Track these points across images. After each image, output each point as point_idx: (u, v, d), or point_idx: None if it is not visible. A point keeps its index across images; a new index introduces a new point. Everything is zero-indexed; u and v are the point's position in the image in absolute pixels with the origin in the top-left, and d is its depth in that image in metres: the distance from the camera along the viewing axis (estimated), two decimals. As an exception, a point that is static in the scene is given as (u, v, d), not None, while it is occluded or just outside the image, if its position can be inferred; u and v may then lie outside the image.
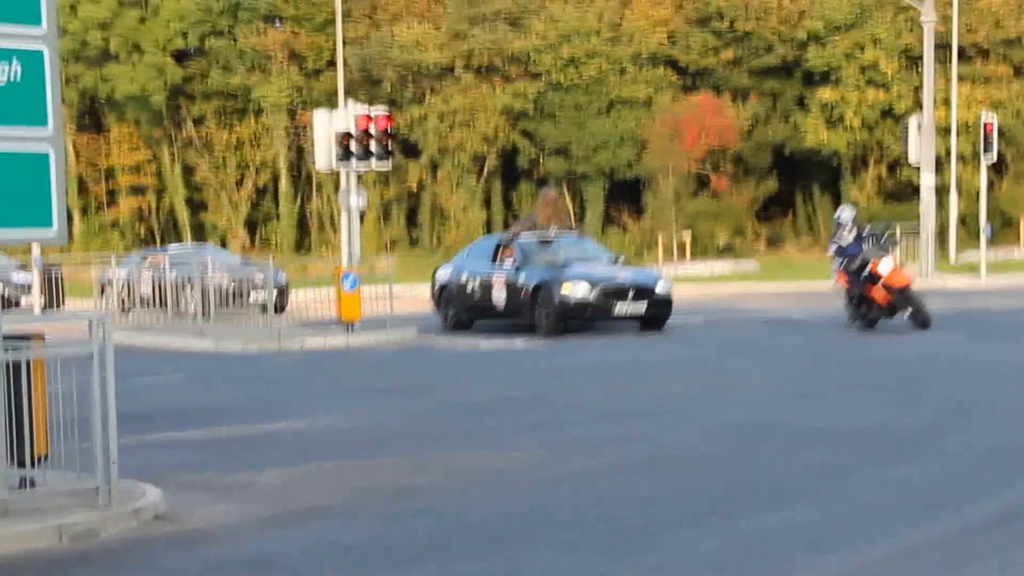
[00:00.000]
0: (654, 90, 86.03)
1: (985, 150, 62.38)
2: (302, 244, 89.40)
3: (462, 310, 42.76)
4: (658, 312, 38.43)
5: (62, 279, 49.66)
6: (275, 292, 45.52)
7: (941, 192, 61.45)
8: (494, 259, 41.81)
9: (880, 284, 34.31)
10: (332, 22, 67.67)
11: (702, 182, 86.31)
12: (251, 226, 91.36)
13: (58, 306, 47.62)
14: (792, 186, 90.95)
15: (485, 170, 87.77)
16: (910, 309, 35.51)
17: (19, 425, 15.56)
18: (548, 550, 14.37)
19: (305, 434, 22.99)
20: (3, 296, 50.57)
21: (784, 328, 40.79)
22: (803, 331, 39.56)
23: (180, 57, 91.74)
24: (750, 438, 21.44)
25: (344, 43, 61.87)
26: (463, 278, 43.19)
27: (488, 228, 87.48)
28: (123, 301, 49.33)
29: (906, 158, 64.54)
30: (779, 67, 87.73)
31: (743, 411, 24.62)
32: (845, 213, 38.83)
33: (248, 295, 48.29)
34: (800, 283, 61.81)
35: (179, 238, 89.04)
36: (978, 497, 16.10)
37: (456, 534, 15.23)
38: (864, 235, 36.51)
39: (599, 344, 37.99)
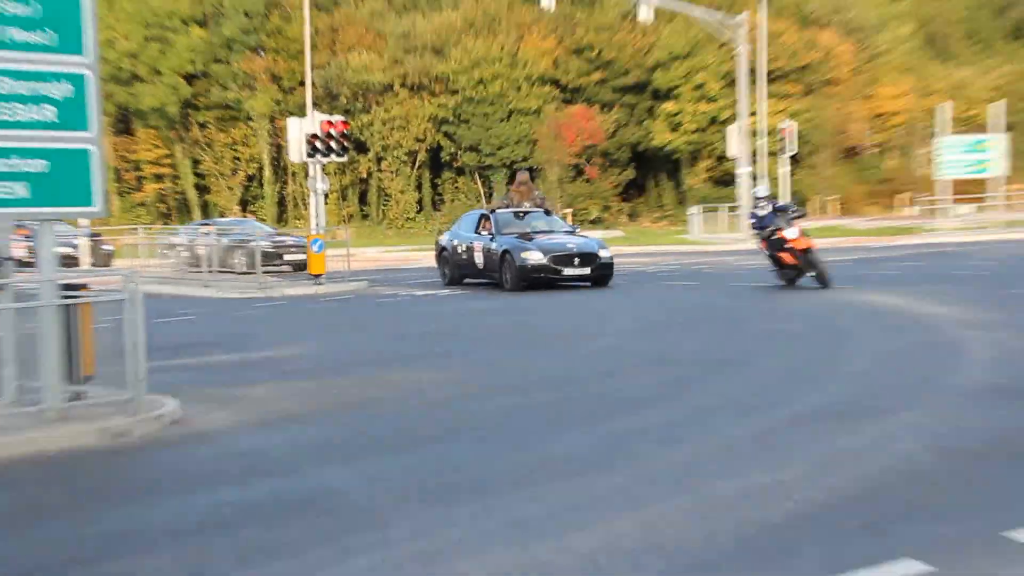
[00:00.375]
0: (542, 102, 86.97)
1: (782, 149, 63.60)
2: (281, 218, 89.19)
3: (454, 269, 42.17)
4: (601, 274, 37.50)
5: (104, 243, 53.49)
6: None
7: (755, 178, 61.71)
8: (476, 229, 41.13)
9: (786, 248, 33.86)
10: (302, 52, 67.68)
11: (578, 171, 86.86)
12: (243, 204, 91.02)
13: (106, 264, 48.59)
14: (645, 174, 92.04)
15: (417, 162, 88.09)
16: (814, 271, 34.32)
17: (71, 353, 15.84)
18: (469, 443, 14.80)
19: (286, 359, 23.14)
20: (69, 256, 49.80)
21: (688, 285, 39.27)
22: (698, 287, 38.42)
23: (189, 79, 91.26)
24: (615, 361, 21.60)
25: (312, 67, 62.07)
26: (454, 243, 42.77)
27: (420, 206, 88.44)
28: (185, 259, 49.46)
29: (727, 154, 65.35)
30: (634, 86, 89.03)
31: (612, 340, 24.91)
32: (760, 190, 37.91)
33: (283, 257, 49.72)
34: (655, 246, 62.70)
35: (190, 215, 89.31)
36: (782, 404, 16.38)
37: (401, 433, 15.55)
38: (776, 208, 35.47)
39: (542, 296, 36.69)
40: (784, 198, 62.41)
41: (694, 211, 69.40)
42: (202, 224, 58.07)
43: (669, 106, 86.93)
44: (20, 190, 14.90)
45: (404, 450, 14.42)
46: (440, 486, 12.39)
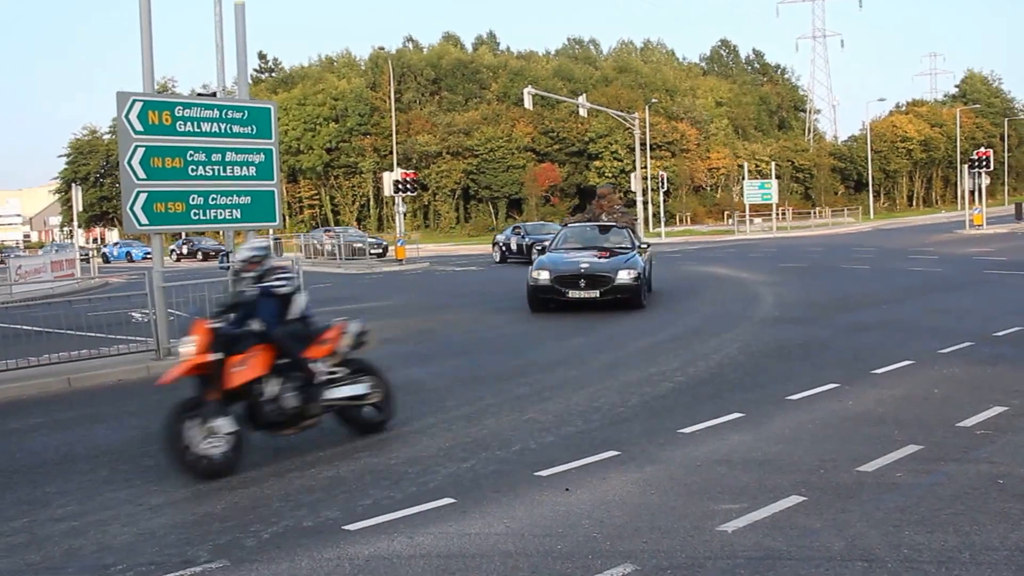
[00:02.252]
0: (525, 162, 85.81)
1: (660, 187, 62.93)
2: (379, 228, 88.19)
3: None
4: (617, 297, 19.16)
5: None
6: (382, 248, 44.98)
7: (645, 204, 61.14)
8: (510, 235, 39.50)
9: None
10: (390, 135, 67.40)
11: (547, 200, 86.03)
12: (358, 221, 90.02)
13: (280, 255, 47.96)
14: (584, 201, 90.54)
15: (456, 195, 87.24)
16: None
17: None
18: (484, 354, 14.69)
19: (384, 307, 22.59)
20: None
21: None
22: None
23: (328, 151, 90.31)
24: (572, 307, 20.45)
25: (396, 143, 61.81)
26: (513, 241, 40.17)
27: (457, 220, 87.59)
28: (314, 251, 47.84)
29: (632, 189, 64.48)
30: (577, 151, 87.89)
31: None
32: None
33: (369, 250, 46.77)
34: None
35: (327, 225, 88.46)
36: (661, 331, 16.28)
37: (447, 349, 15.45)
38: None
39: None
40: (663, 216, 62.45)
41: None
42: (326, 230, 56.06)
43: (597, 163, 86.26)
44: (237, 213, 14.81)
45: (451, 357, 14.37)
46: (473, 378, 12.35)
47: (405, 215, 56.02)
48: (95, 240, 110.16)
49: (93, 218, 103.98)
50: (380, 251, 47.94)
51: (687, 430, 8.84)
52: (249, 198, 14.82)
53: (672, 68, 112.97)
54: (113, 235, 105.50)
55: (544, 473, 7.57)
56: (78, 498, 7.43)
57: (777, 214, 68.28)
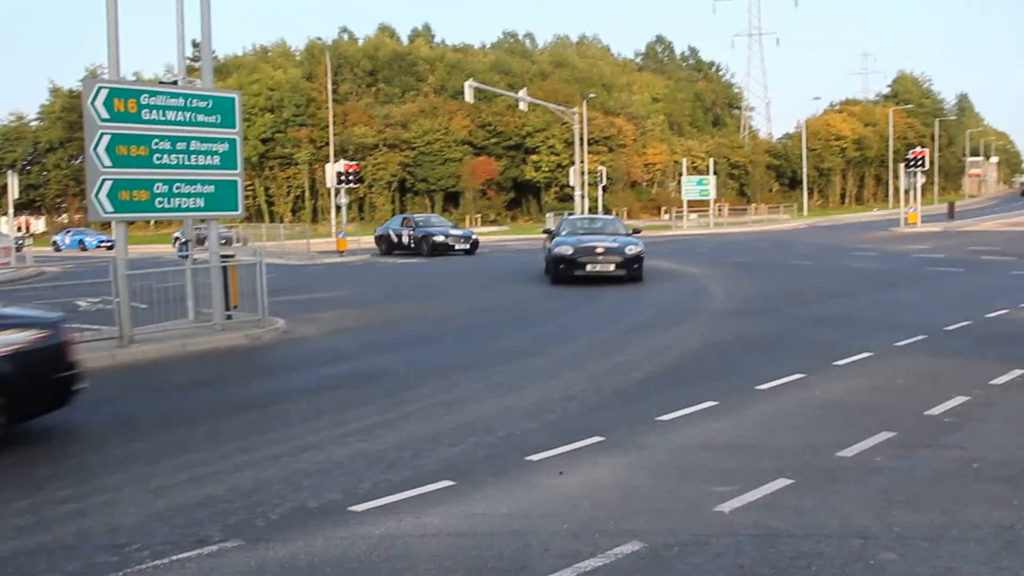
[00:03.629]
0: (462, 155, 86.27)
1: (599, 182, 63.33)
2: (314, 220, 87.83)
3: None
4: (628, 269, 23.22)
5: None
6: (472, 242, 40.54)
7: (582, 198, 61.73)
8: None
9: None
10: (327, 126, 67.31)
11: (483, 193, 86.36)
12: (293, 212, 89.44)
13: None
14: (520, 195, 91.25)
15: (392, 188, 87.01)
16: None
17: (226, 293, 15.79)
18: (449, 343, 14.94)
19: (335, 298, 22.64)
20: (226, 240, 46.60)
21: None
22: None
23: (264, 141, 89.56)
24: (528, 295, 21.16)
25: (332, 135, 61.65)
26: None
27: (393, 212, 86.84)
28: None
29: (570, 184, 64.84)
30: (515, 145, 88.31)
31: (523, 284, 24.34)
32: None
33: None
34: (529, 235, 60.45)
35: (262, 219, 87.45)
36: (619, 322, 16.58)
37: (408, 339, 15.58)
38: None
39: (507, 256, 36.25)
40: (600, 210, 63.02)
41: (549, 215, 69.40)
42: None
43: (534, 157, 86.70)
44: (200, 202, 14.86)
45: (420, 346, 14.54)
46: (445, 366, 12.51)
47: (349, 207, 55.70)
48: (19, 228, 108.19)
49: (20, 206, 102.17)
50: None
51: (664, 417, 9.11)
52: (213, 187, 14.88)
53: (608, 64, 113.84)
54: (39, 224, 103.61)
55: (535, 458, 7.80)
56: (74, 481, 7.50)
57: (714, 210, 69.04)
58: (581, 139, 64.96)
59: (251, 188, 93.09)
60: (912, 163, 51.63)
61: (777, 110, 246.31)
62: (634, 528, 6.11)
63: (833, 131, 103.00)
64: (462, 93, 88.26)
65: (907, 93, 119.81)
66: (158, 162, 14.14)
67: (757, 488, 6.88)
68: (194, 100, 14.57)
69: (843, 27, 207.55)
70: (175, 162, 14.35)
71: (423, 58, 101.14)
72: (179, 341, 14.57)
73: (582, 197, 59.19)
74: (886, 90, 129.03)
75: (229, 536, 6.10)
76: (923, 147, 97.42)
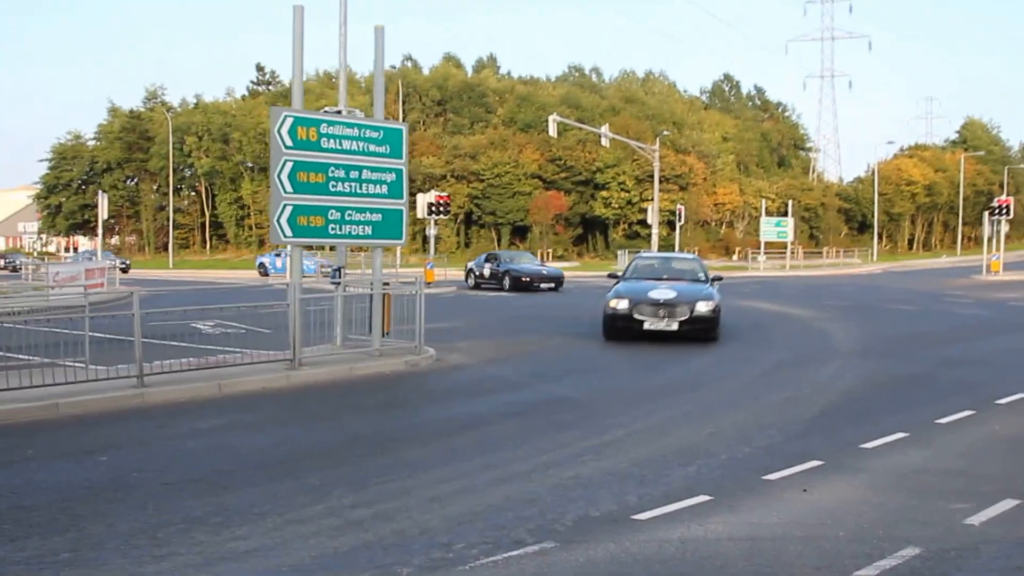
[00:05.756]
0: (532, 188, 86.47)
1: (678, 220, 63.58)
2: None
3: None
4: (695, 328, 19.22)
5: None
6: (558, 279, 40.55)
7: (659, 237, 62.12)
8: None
9: None
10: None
11: (551, 228, 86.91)
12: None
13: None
14: (588, 231, 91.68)
15: (458, 219, 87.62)
16: None
17: (381, 320, 16.52)
18: (608, 374, 15.53)
19: (454, 328, 22.68)
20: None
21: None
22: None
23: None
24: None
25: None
26: (487, 267, 42.44)
27: (458, 245, 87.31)
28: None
29: (646, 222, 65.08)
30: (584, 180, 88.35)
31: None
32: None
33: (540, 284, 39.82)
34: (599, 271, 60.86)
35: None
36: (764, 359, 17.09)
37: (565, 369, 16.33)
38: None
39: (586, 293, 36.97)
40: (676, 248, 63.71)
41: (621, 252, 69.81)
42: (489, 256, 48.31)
43: (604, 193, 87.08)
44: (368, 230, 15.79)
45: (581, 376, 15.26)
46: (622, 395, 13.30)
47: (437, 239, 55.72)
48: (67, 249, 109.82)
49: (74, 226, 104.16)
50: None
51: (867, 445, 9.83)
52: (380, 215, 15.80)
53: (676, 101, 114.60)
54: (87, 245, 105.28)
55: (771, 477, 8.56)
56: (351, 489, 8.28)
57: (791, 252, 69.43)
58: (658, 177, 65.70)
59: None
60: (996, 211, 51.94)
61: (844, 153, 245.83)
62: (904, 536, 6.85)
63: (904, 176, 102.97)
64: (532, 126, 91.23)
65: (976, 140, 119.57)
66: (333, 189, 15.09)
67: (992, 506, 7.63)
68: (367, 131, 15.53)
69: (905, 71, 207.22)
70: (348, 190, 15.30)
71: (492, 89, 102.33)
72: (345, 365, 15.40)
73: (659, 235, 59.51)
74: (952, 135, 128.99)
75: (540, 539, 6.84)
76: (993, 195, 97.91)
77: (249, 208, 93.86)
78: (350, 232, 15.54)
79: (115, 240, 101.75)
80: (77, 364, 13.08)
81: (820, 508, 7.63)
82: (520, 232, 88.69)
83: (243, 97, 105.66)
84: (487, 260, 43.27)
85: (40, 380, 12.11)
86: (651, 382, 14.64)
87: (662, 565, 6.29)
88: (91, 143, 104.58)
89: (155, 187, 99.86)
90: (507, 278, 40.65)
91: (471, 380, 15.06)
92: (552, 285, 39.69)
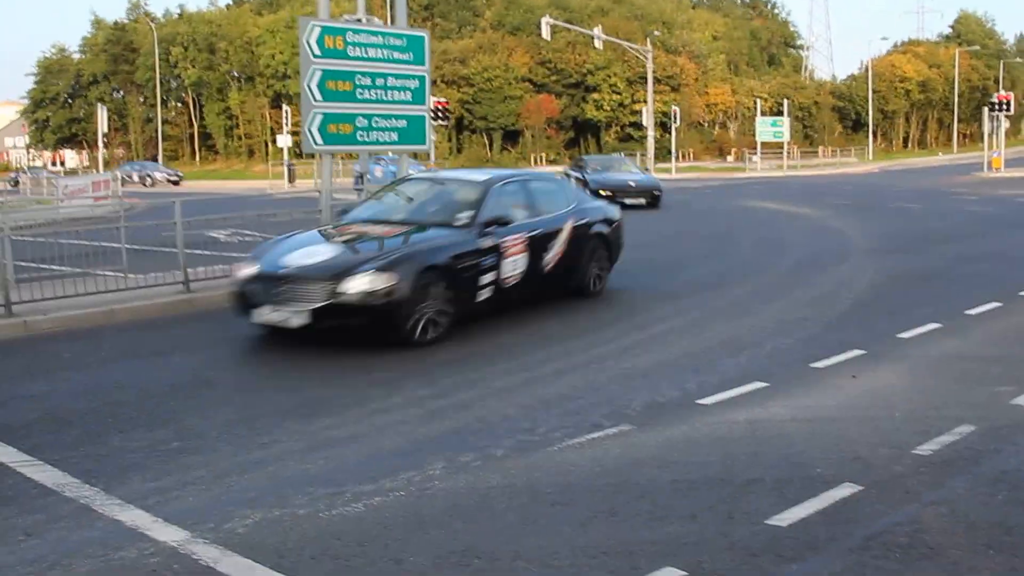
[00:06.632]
0: (522, 92, 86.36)
1: (673, 121, 63.75)
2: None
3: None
4: (653, 200, 30.14)
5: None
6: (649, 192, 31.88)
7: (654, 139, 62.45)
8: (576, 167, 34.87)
9: None
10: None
11: (543, 132, 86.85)
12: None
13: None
14: (580, 134, 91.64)
15: (448, 125, 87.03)
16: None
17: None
18: (635, 274, 15.94)
19: None
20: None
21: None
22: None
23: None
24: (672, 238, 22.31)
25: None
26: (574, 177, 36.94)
27: (450, 151, 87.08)
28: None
29: (641, 124, 65.22)
30: (575, 83, 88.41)
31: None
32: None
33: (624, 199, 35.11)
34: None
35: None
36: (782, 258, 17.56)
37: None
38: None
39: None
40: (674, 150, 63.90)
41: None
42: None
43: (595, 95, 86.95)
44: (394, 136, 16.08)
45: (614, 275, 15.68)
46: (652, 294, 13.75)
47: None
48: (54, 163, 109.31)
49: (62, 140, 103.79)
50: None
51: (904, 335, 10.34)
52: (405, 122, 16.06)
53: (666, 0, 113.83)
54: (73, 159, 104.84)
55: (818, 365, 9.07)
56: (424, 382, 8.81)
57: (787, 152, 69.69)
58: (651, 78, 65.63)
59: (300, 124, 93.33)
60: (996, 107, 52.20)
61: (836, 51, 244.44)
62: (956, 415, 7.34)
63: (898, 73, 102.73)
64: (521, 29, 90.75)
65: (970, 33, 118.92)
66: (360, 97, 15.33)
67: (1035, 388, 8.14)
68: (391, 38, 15.73)
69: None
70: (374, 97, 15.54)
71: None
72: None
73: (655, 137, 59.72)
74: (946, 30, 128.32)
75: (616, 422, 7.33)
76: (988, 90, 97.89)
77: (238, 118, 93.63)
78: (377, 139, 15.81)
79: (102, 154, 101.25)
80: (117, 273, 13.47)
81: (871, 392, 8.15)
82: (512, 137, 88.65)
83: (227, 6, 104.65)
84: (575, 168, 35.43)
85: (93, 288, 12.52)
86: (680, 279, 15.13)
87: (735, 443, 6.79)
88: (76, 56, 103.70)
89: (142, 99, 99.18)
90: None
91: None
92: (642, 200, 30.65)
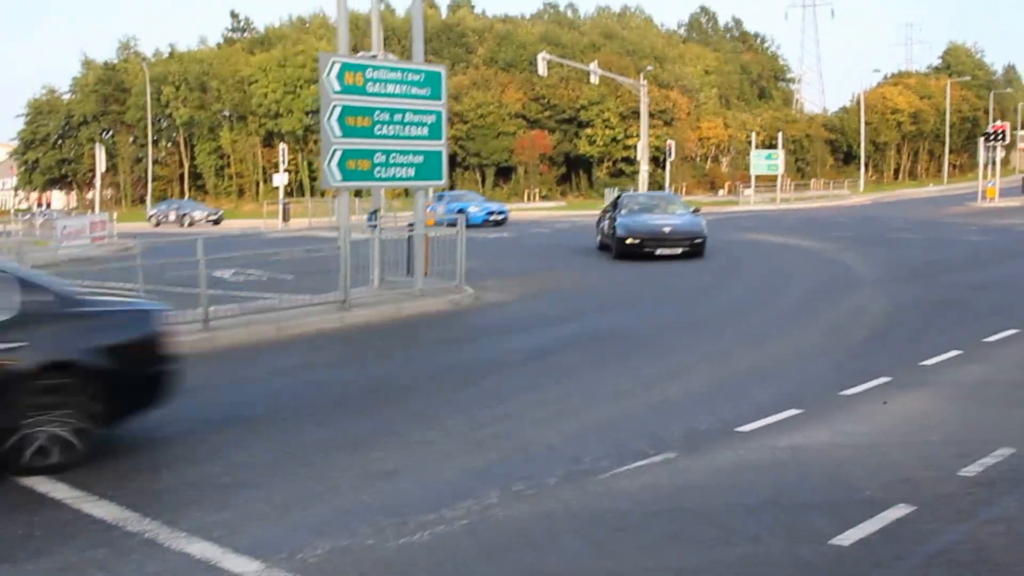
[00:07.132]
0: (516, 128, 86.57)
1: (668, 156, 64.05)
2: (358, 194, 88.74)
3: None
4: (695, 249, 23.49)
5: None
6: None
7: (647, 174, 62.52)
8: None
9: None
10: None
11: (536, 168, 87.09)
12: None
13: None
14: (571, 170, 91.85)
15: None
16: None
17: (423, 261, 17.02)
18: (647, 308, 16.19)
19: (473, 268, 22.78)
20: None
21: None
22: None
23: (309, 114, 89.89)
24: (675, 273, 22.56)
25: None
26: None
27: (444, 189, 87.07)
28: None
29: (633, 159, 65.38)
30: (568, 119, 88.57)
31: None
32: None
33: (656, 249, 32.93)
34: (586, 210, 61.32)
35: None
36: (790, 289, 17.73)
37: (602, 304, 16.94)
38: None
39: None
40: (667, 186, 64.08)
41: (609, 191, 70.02)
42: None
43: (588, 131, 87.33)
44: (411, 172, 16.32)
45: (622, 310, 15.95)
46: (669, 326, 13.97)
47: None
48: (39, 204, 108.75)
49: (51, 181, 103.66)
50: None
51: (926, 363, 10.51)
52: (422, 157, 16.35)
53: (655, 35, 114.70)
54: (60, 200, 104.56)
55: (848, 392, 9.22)
56: (460, 415, 8.95)
57: (780, 185, 69.99)
58: (645, 113, 65.92)
59: (294, 162, 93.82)
60: (992, 136, 52.64)
61: (827, 83, 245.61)
62: (994, 438, 7.48)
63: (890, 104, 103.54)
64: (513, 65, 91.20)
65: (959, 65, 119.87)
66: (378, 133, 15.61)
67: (1072, 412, 8.30)
68: (409, 74, 16.03)
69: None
70: (392, 133, 15.82)
71: (471, 29, 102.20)
72: (391, 306, 16.00)
73: (648, 172, 59.96)
74: (936, 61, 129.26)
75: (660, 450, 7.44)
76: (978, 120, 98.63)
77: (229, 157, 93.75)
78: (395, 175, 16.08)
79: (91, 195, 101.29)
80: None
81: (904, 418, 8.31)
82: (505, 173, 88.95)
83: (218, 45, 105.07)
84: (612, 207, 28.11)
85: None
86: (694, 313, 15.29)
87: (782, 468, 6.94)
88: (66, 96, 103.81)
89: (132, 139, 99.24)
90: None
91: (518, 316, 15.72)
92: (678, 250, 24.16)
